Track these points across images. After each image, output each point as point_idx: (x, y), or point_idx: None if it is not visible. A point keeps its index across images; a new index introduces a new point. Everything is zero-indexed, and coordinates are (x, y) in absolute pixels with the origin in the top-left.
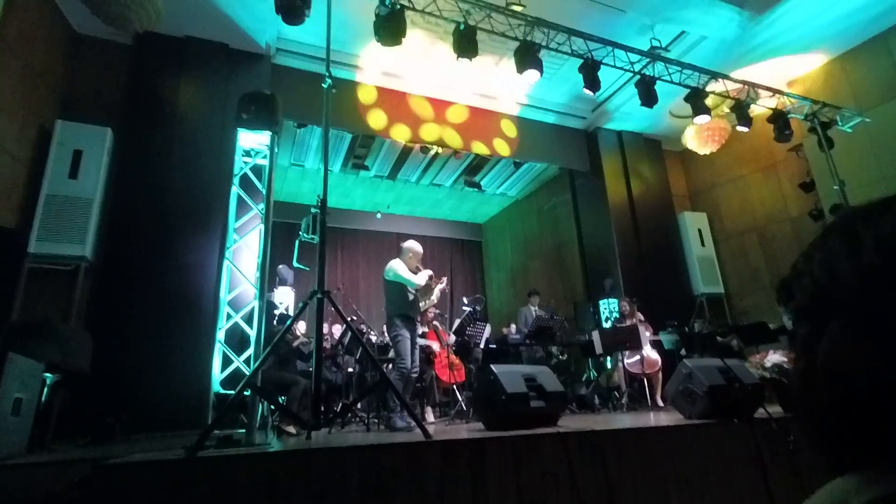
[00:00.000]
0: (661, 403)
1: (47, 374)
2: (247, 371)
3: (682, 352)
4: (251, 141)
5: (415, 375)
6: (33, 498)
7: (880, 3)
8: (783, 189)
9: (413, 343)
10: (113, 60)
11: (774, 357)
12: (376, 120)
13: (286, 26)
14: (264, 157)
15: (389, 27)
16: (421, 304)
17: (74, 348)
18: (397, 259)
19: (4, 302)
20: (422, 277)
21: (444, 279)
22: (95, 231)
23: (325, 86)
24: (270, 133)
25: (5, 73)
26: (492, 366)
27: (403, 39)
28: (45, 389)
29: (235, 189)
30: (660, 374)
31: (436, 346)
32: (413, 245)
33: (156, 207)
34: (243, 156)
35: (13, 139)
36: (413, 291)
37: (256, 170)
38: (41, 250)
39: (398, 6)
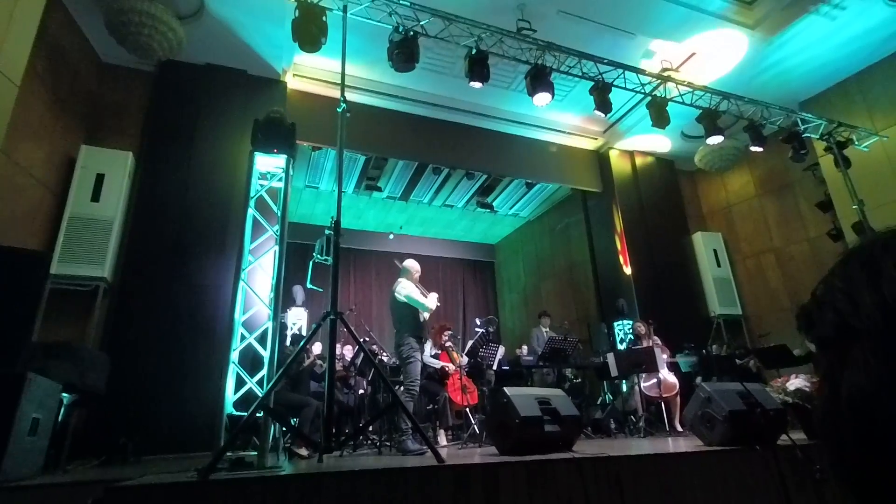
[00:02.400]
0: (679, 428)
1: (65, 394)
2: (259, 392)
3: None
4: (267, 164)
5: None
6: None
7: (895, 23)
8: (800, 209)
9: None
10: (136, 87)
11: (797, 381)
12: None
13: (302, 52)
14: (280, 179)
15: (403, 53)
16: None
17: (91, 369)
18: (405, 280)
19: (26, 323)
20: (432, 302)
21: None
22: (115, 253)
23: (339, 109)
24: (286, 156)
25: (34, 101)
26: (505, 389)
27: (416, 65)
28: (62, 409)
29: (251, 211)
30: (678, 398)
31: (450, 367)
32: (415, 264)
33: (174, 229)
34: (259, 178)
35: (40, 164)
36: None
37: (272, 192)
38: (62, 271)
39: (411, 32)
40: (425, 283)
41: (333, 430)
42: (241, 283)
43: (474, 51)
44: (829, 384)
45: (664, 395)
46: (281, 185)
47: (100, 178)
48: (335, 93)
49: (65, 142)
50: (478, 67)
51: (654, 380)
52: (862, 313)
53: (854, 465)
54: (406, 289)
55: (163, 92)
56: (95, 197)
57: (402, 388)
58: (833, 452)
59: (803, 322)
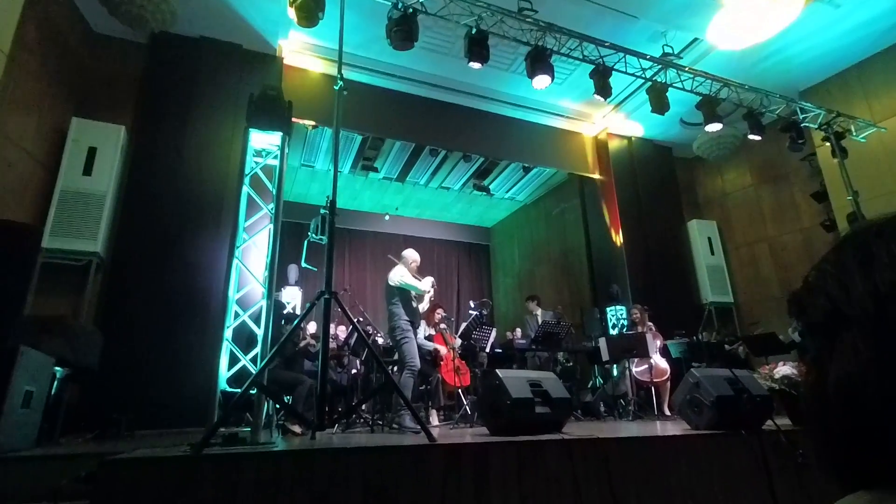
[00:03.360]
0: (667, 413)
1: (57, 368)
2: (253, 370)
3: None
4: (262, 141)
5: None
6: (41, 491)
7: None
8: (795, 199)
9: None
10: (128, 59)
11: (784, 369)
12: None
13: (299, 28)
14: (275, 157)
15: (401, 31)
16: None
17: (84, 344)
18: (400, 266)
19: (18, 297)
20: (426, 284)
21: (432, 280)
22: (107, 228)
23: (336, 87)
24: (282, 134)
25: (24, 72)
26: (497, 371)
27: (415, 43)
28: (55, 383)
29: (246, 188)
30: (668, 383)
31: (443, 349)
32: (414, 254)
33: (167, 205)
34: (254, 155)
35: (30, 137)
36: (415, 297)
37: (267, 170)
38: (54, 245)
39: (410, 10)
40: (420, 264)
41: (327, 409)
42: (235, 261)
43: (474, 30)
44: (817, 370)
45: (655, 380)
46: (276, 162)
47: (91, 152)
48: (332, 70)
49: (55, 114)
50: (477, 48)
51: (646, 365)
52: (853, 300)
53: (838, 451)
54: (399, 273)
55: (156, 64)
56: (87, 171)
57: (396, 368)
58: (818, 438)
59: (794, 308)
